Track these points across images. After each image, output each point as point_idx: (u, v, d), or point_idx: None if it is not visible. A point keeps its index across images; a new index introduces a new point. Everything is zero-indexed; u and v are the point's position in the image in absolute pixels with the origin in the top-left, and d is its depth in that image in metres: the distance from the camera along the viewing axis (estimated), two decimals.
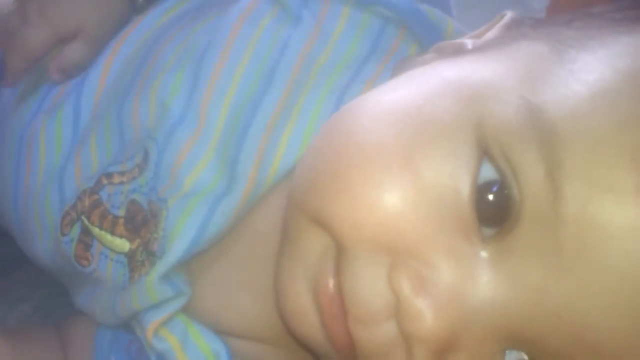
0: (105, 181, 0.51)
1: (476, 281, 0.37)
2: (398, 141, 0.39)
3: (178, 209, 0.48)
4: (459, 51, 0.46)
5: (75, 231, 0.51)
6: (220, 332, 0.50)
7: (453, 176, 0.37)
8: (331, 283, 0.39)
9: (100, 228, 0.51)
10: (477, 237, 0.37)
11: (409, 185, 0.38)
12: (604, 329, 0.35)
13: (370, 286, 0.38)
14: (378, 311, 0.38)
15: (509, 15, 0.47)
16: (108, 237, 0.50)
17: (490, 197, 0.37)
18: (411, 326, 0.37)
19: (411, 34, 0.52)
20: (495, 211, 0.37)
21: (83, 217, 0.51)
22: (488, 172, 0.38)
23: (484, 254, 0.37)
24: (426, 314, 0.37)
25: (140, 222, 0.49)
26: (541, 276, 0.36)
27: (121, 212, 0.50)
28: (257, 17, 0.50)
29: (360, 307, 0.38)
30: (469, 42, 0.46)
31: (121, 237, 0.50)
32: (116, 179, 0.51)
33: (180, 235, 0.47)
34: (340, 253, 0.39)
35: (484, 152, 0.37)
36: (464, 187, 0.37)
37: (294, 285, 0.42)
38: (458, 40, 0.47)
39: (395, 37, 0.51)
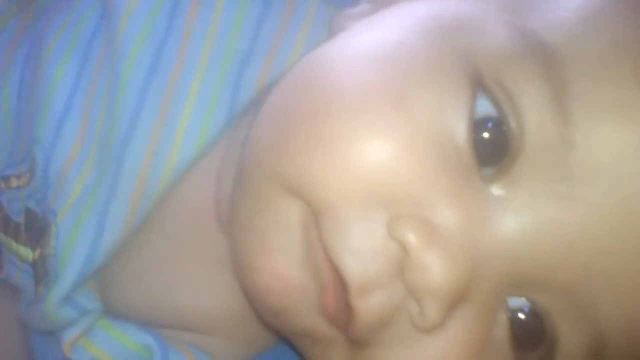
0: (2, 185, 0.48)
1: (485, 223, 0.34)
2: (383, 82, 0.35)
3: (67, 225, 0.44)
4: None
5: None
6: (157, 326, 0.47)
7: (447, 114, 0.35)
8: (324, 255, 0.35)
9: (5, 234, 0.48)
10: (478, 176, 0.35)
11: (401, 127, 0.34)
12: (614, 253, 0.34)
13: (369, 248, 0.34)
14: (382, 273, 0.34)
15: None
16: (13, 245, 0.47)
17: (487, 134, 0.35)
18: (424, 280, 0.33)
19: None
20: (493, 148, 0.35)
21: None
22: (483, 107, 0.35)
23: (488, 192, 0.35)
24: (439, 264, 0.33)
25: (39, 231, 0.46)
26: (553, 207, 0.34)
27: (21, 220, 0.47)
28: None
29: (363, 275, 0.34)
30: None
31: (25, 245, 0.47)
32: (13, 183, 0.47)
33: (71, 257, 0.44)
34: (323, 219, 0.35)
35: (478, 85, 0.35)
36: (460, 126, 0.35)
37: (271, 261, 0.37)
38: None
39: None
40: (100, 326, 0.46)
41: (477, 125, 0.35)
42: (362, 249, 0.34)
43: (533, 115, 0.34)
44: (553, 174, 0.34)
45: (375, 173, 0.34)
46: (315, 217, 0.35)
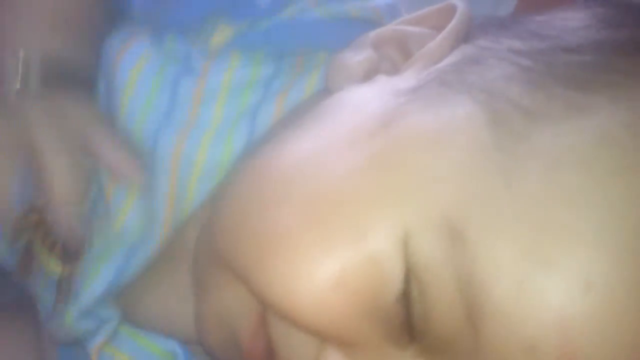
0: None
1: None
2: (318, 227, 0.38)
3: (100, 250, 0.47)
4: (396, 70, 0.45)
5: (22, 240, 0.50)
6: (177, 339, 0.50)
7: (380, 275, 0.37)
8: (261, 343, 0.41)
9: (42, 243, 0.49)
10: (404, 334, 0.37)
11: (329, 276, 0.37)
12: None
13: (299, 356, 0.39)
14: None
15: (458, 16, 0.44)
16: (46, 255, 0.49)
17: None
18: None
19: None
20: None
21: (30, 229, 0.50)
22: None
23: (409, 352, 0.37)
24: None
25: (75, 251, 0.48)
26: None
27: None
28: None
29: None
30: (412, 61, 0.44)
31: (56, 259, 0.49)
32: None
33: (96, 278, 0.46)
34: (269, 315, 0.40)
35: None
36: (392, 296, 0.37)
37: (215, 334, 0.44)
38: (398, 35, 0.46)
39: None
40: (125, 333, 0.49)
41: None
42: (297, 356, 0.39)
43: (446, 327, 0.36)
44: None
45: (304, 308, 0.38)
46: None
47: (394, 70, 0.45)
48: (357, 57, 0.45)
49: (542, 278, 0.34)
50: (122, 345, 0.49)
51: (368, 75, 0.45)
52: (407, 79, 0.43)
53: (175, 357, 0.49)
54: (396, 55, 0.46)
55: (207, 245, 0.45)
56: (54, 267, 0.49)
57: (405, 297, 0.36)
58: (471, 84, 0.39)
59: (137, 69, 0.47)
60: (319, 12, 0.48)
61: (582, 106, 0.36)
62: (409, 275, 0.36)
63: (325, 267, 0.37)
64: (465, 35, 0.44)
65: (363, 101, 0.43)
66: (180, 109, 0.46)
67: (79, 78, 0.46)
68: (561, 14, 0.44)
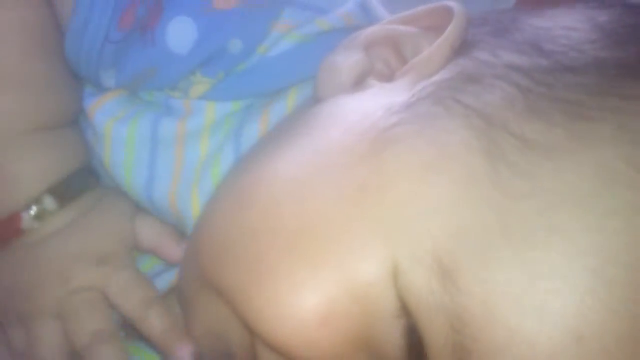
0: None
1: None
2: (304, 257, 0.36)
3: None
4: (390, 72, 0.43)
5: None
6: None
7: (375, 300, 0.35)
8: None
9: None
10: None
11: (317, 310, 0.36)
12: None
13: None
14: None
15: (455, 23, 0.41)
16: None
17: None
18: None
19: None
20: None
21: None
22: None
23: None
24: None
25: None
26: None
27: None
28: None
29: None
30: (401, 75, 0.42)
31: None
32: None
33: None
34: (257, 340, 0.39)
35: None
36: (390, 331, 0.35)
37: (204, 346, 0.43)
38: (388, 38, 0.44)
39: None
40: (134, 352, 0.49)
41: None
42: None
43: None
44: None
45: (293, 344, 0.36)
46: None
47: (388, 71, 0.43)
48: (347, 60, 0.43)
49: (533, 326, 0.33)
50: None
51: (359, 81, 0.43)
52: (400, 92, 0.40)
53: None
54: (389, 56, 0.44)
55: (192, 262, 0.43)
56: None
57: (399, 332, 0.35)
58: (467, 106, 0.37)
59: (109, 125, 0.46)
60: (289, 40, 0.46)
61: (584, 137, 0.34)
62: (402, 310, 0.35)
63: (312, 302, 0.36)
64: (462, 46, 0.41)
65: (353, 117, 0.40)
66: (165, 154, 0.46)
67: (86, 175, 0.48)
68: (562, 20, 0.41)
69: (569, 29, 0.40)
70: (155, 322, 0.46)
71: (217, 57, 0.44)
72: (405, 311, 0.35)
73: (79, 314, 0.46)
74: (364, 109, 0.40)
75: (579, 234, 0.33)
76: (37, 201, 0.46)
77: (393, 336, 0.35)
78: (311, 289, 0.36)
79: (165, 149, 0.46)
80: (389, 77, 0.43)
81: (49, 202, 0.46)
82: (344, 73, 0.43)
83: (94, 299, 0.46)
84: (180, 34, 0.43)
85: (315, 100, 0.44)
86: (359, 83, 0.43)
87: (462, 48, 0.41)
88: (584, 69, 0.37)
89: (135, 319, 0.47)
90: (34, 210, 0.46)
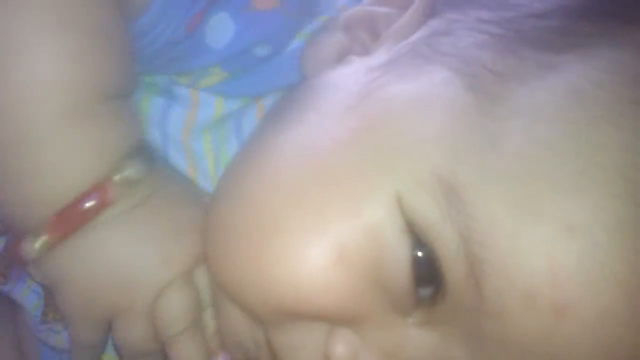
0: None
1: (404, 350, 0.39)
2: (312, 211, 0.39)
3: None
4: (366, 51, 0.46)
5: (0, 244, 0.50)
6: None
7: (384, 233, 0.38)
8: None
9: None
10: (413, 297, 0.38)
11: (329, 253, 0.38)
12: None
13: (309, 354, 0.40)
14: None
15: None
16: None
17: (421, 254, 0.37)
18: None
19: None
20: (428, 270, 0.37)
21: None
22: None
23: (413, 319, 0.39)
24: None
25: None
26: (462, 353, 0.38)
27: None
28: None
29: None
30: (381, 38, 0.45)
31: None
32: None
33: None
34: (272, 328, 0.41)
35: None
36: (402, 246, 0.37)
37: (228, 343, 0.44)
38: (368, 15, 0.47)
39: None
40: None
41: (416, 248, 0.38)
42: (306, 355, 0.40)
43: (452, 279, 0.37)
44: (469, 328, 0.37)
45: (309, 292, 0.38)
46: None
47: (364, 52, 0.46)
48: (329, 39, 0.47)
49: (532, 229, 0.35)
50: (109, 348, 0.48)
51: (340, 57, 0.46)
52: (378, 57, 0.44)
53: None
54: (365, 37, 0.47)
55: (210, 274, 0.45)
56: None
57: (410, 257, 0.37)
58: (444, 53, 0.41)
59: None
60: (299, 39, 0.49)
61: (553, 65, 0.38)
62: (411, 235, 0.37)
63: (324, 247, 0.38)
64: (432, 11, 0.45)
65: (338, 81, 0.44)
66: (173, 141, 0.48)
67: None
68: None
69: None
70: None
71: (242, 54, 0.46)
72: (413, 233, 0.37)
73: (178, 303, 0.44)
74: (348, 73, 0.44)
75: (559, 141, 0.36)
76: (123, 167, 0.42)
77: (401, 263, 0.37)
78: (320, 233, 0.38)
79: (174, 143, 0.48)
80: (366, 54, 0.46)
81: (135, 168, 0.42)
82: (325, 52, 0.46)
83: (189, 282, 0.44)
84: (218, 30, 0.45)
85: (303, 80, 0.47)
86: (340, 59, 0.46)
87: (433, 13, 0.45)
88: (549, 14, 0.41)
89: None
90: (124, 173, 0.42)
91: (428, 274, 0.37)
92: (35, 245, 0.40)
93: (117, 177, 0.41)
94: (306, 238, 0.38)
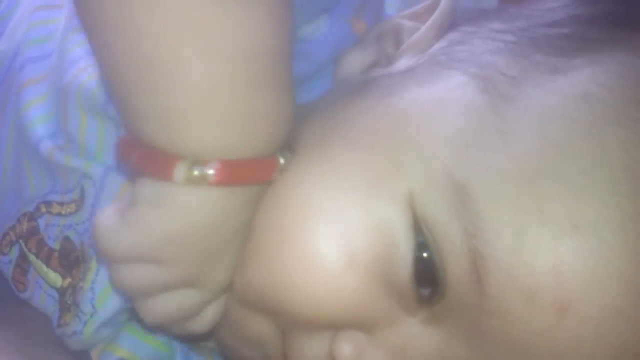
0: (44, 209, 0.49)
1: (410, 348, 0.39)
2: (323, 217, 0.39)
3: None
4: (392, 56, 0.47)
5: (14, 253, 0.50)
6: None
7: (390, 235, 0.38)
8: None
9: (37, 257, 0.49)
10: (414, 297, 0.38)
11: (342, 257, 0.38)
12: None
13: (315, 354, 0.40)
14: None
15: (441, 7, 0.47)
16: (43, 268, 0.49)
17: (425, 254, 0.38)
18: None
19: None
20: (429, 271, 0.38)
21: (21, 241, 0.50)
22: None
23: (417, 318, 0.39)
24: None
25: (73, 262, 0.48)
26: (465, 352, 0.38)
27: (56, 246, 0.49)
28: None
29: None
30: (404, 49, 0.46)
31: (55, 270, 0.49)
32: (55, 209, 0.49)
33: (112, 296, 0.46)
34: (286, 332, 0.41)
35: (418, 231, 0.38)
36: (404, 255, 0.38)
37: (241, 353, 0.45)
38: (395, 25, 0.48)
39: None
40: (129, 332, 0.49)
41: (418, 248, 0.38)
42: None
43: (454, 275, 0.37)
44: (472, 326, 0.37)
45: (327, 288, 0.39)
46: (283, 330, 0.42)
47: (388, 63, 0.47)
48: (361, 53, 0.48)
49: (537, 226, 0.35)
50: (122, 342, 0.49)
51: (367, 69, 0.47)
52: (398, 66, 0.45)
53: (172, 347, 0.50)
54: (390, 48, 0.48)
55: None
56: (54, 279, 0.49)
57: (413, 254, 0.38)
58: (460, 60, 0.42)
59: None
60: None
61: (564, 69, 0.39)
62: (417, 231, 0.37)
63: (335, 252, 0.38)
64: (450, 25, 0.47)
65: (358, 87, 0.44)
66: None
67: None
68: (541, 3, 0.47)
69: (546, 1, 0.46)
70: None
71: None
72: (419, 229, 0.37)
73: None
74: (369, 81, 0.45)
75: (567, 141, 0.36)
76: (284, 154, 0.40)
77: (406, 260, 0.38)
78: (333, 237, 0.38)
79: None
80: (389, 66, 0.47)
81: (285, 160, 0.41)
82: (356, 64, 0.47)
83: None
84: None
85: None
86: (366, 72, 0.47)
87: (451, 27, 0.46)
88: (560, 22, 0.42)
89: None
90: (281, 161, 0.40)
91: (430, 271, 0.37)
92: (195, 172, 0.37)
93: (282, 161, 0.40)
94: (318, 242, 0.39)
